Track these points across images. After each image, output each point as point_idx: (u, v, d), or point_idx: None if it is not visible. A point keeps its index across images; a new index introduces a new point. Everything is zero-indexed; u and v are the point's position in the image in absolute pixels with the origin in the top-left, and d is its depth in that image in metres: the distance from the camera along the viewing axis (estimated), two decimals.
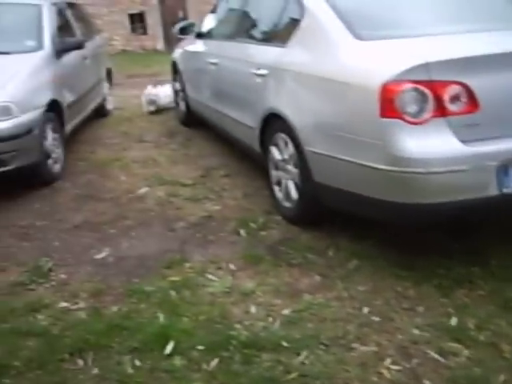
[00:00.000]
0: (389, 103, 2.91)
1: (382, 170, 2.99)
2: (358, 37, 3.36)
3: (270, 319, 2.85)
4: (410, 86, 2.89)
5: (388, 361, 2.53)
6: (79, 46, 6.12)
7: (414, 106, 2.90)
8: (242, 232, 3.82)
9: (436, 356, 2.55)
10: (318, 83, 3.47)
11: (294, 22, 3.96)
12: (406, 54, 3.13)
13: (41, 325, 2.89)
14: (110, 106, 8.10)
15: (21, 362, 2.59)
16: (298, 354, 2.57)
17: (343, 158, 3.23)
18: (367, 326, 2.77)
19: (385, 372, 2.46)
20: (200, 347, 2.64)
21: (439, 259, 3.30)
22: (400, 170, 2.93)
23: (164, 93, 7.95)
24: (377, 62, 3.16)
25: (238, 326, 2.81)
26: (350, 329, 2.75)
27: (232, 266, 3.39)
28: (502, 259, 3.30)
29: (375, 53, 3.25)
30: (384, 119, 2.94)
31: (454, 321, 2.78)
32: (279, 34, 4.26)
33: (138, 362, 2.57)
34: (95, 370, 2.54)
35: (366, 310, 2.90)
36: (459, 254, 3.37)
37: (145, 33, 20.22)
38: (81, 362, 2.60)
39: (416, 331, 2.72)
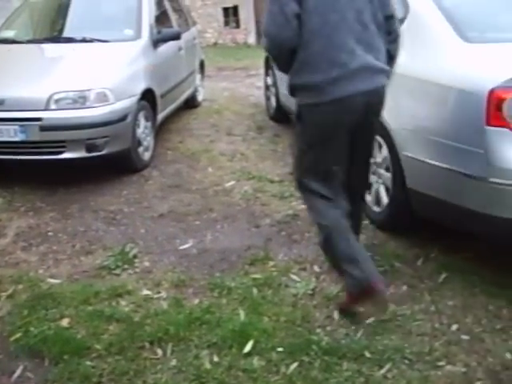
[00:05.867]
0: (496, 110, 2.75)
1: (483, 180, 2.84)
2: (466, 39, 3.20)
3: (353, 327, 2.76)
4: None
5: None
6: (176, 37, 6.18)
7: None
8: None
9: None
10: (419, 86, 3.34)
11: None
12: None
13: (123, 310, 2.93)
14: (200, 97, 8.16)
15: (102, 346, 2.63)
16: (381, 367, 2.47)
17: (440, 165, 3.09)
18: (455, 344, 2.63)
19: None
20: (279, 349, 2.59)
21: None
22: (503, 182, 2.77)
23: None
24: (485, 67, 3.00)
25: (319, 330, 2.74)
26: (437, 345, 2.61)
27: (316, 268, 3.31)
28: None
29: (483, 57, 3.10)
30: (490, 127, 2.79)
31: None
32: None
33: (216, 358, 2.54)
34: (173, 362, 2.54)
35: (454, 327, 2.75)
36: None
37: (237, 26, 20.35)
38: (160, 352, 2.60)
39: (509, 355, 2.55)
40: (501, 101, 2.74)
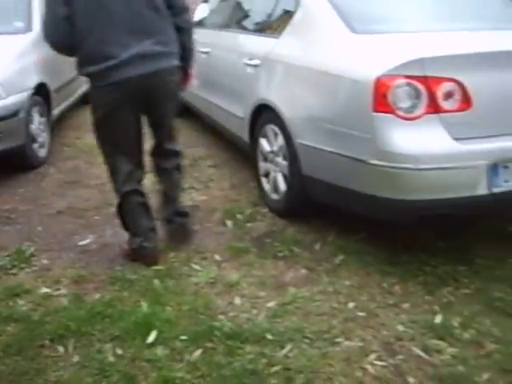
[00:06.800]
0: (382, 97, 2.88)
1: (371, 164, 2.97)
2: (354, 30, 3.32)
3: (255, 311, 2.83)
4: (403, 81, 2.87)
5: (372, 356, 2.51)
6: None
7: (407, 102, 2.88)
8: (228, 223, 3.79)
9: (420, 353, 2.54)
10: (310, 75, 3.44)
11: (288, 13, 3.92)
12: (400, 48, 3.10)
13: (21, 310, 2.85)
14: None
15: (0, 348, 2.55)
16: (282, 347, 2.55)
17: (333, 151, 3.20)
18: (352, 320, 2.75)
19: (369, 367, 2.44)
20: (183, 337, 2.61)
21: (425, 257, 3.29)
22: (390, 166, 2.91)
23: None
24: (371, 56, 3.13)
25: (221, 317, 2.78)
26: (335, 323, 2.73)
27: (217, 257, 3.35)
28: (488, 258, 3.30)
29: (370, 47, 3.22)
30: (376, 113, 2.92)
31: (438, 318, 2.77)
32: (273, 25, 4.21)
33: (119, 351, 2.53)
34: (76, 358, 2.50)
35: (351, 304, 2.88)
36: (445, 252, 3.36)
37: None
38: (61, 349, 2.56)
39: (401, 327, 2.70)
40: (386, 88, 2.87)
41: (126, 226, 3.34)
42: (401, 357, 2.52)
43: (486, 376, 2.41)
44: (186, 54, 3.26)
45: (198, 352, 2.52)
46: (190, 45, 3.30)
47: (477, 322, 2.75)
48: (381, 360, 2.49)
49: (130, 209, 3.26)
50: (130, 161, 3.19)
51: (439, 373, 2.42)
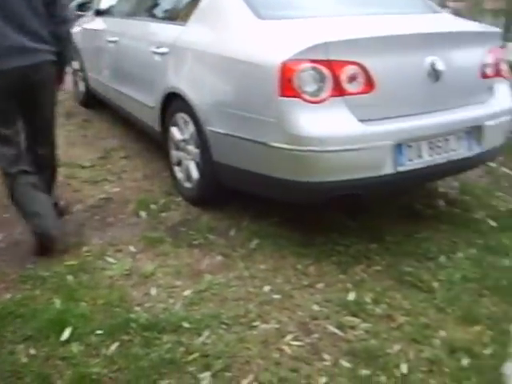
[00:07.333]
0: (287, 82, 2.91)
1: (279, 148, 3.00)
2: (259, 16, 3.33)
3: (171, 301, 2.82)
4: (308, 65, 2.90)
5: (289, 337, 2.56)
6: None
7: (312, 85, 2.92)
8: (142, 214, 3.75)
9: (335, 330, 2.61)
10: (217, 62, 3.43)
11: (195, 0, 3.89)
12: (304, 33, 3.13)
13: None
14: None
15: None
16: (200, 335, 2.56)
17: (242, 136, 3.22)
18: (268, 304, 2.80)
19: (286, 348, 2.49)
20: (98, 332, 2.58)
21: (338, 237, 3.38)
22: (297, 149, 2.95)
23: None
24: (276, 42, 3.15)
25: (137, 308, 2.76)
26: (251, 307, 2.76)
27: (132, 249, 3.31)
28: (397, 235, 3.43)
29: (275, 32, 3.24)
30: (283, 98, 2.94)
31: (351, 296, 2.86)
32: (180, 12, 4.18)
33: (32, 351, 2.47)
34: None
35: (266, 288, 2.92)
36: (357, 231, 3.46)
37: None
38: None
39: (316, 307, 2.77)
40: (291, 73, 2.90)
41: (23, 212, 3.28)
42: (316, 335, 2.58)
43: (397, 347, 2.52)
44: (61, 59, 3.32)
45: (115, 345, 2.50)
46: (66, 52, 3.39)
47: (388, 297, 2.86)
48: (297, 340, 2.55)
49: (22, 191, 3.23)
50: (13, 145, 3.21)
51: (353, 348, 2.50)
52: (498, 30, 3.79)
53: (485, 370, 2.41)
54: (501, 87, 3.66)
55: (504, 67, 3.68)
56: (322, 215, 3.63)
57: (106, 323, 2.63)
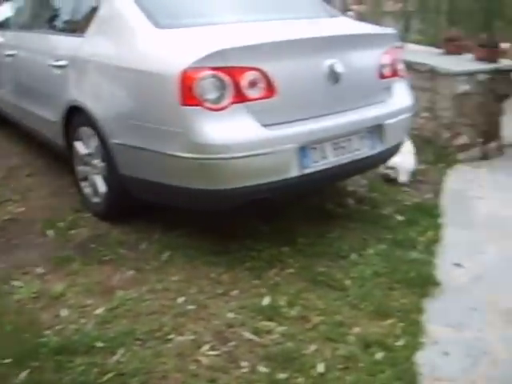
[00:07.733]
0: (188, 91, 2.89)
1: (185, 158, 2.98)
2: (157, 25, 3.30)
3: (83, 321, 2.73)
4: (208, 72, 2.90)
5: (205, 347, 2.54)
6: None
7: (213, 93, 2.92)
8: (50, 232, 3.61)
9: (251, 336, 2.62)
10: (117, 73, 3.37)
11: (93, 10, 3.80)
12: (203, 41, 3.13)
13: None
14: None
15: None
16: (114, 353, 2.49)
17: (147, 147, 3.17)
18: (183, 315, 2.76)
19: (202, 359, 2.47)
20: (7, 360, 2.46)
21: (251, 242, 3.39)
22: (203, 157, 2.94)
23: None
24: (175, 50, 3.13)
25: (48, 332, 2.66)
26: (166, 320, 2.72)
27: (39, 270, 3.19)
28: (309, 236, 3.48)
29: (174, 41, 3.22)
30: (185, 107, 2.92)
31: (266, 300, 2.87)
32: (78, 24, 4.07)
33: None
34: None
35: (180, 299, 2.89)
36: (269, 235, 3.48)
37: None
38: None
39: (231, 315, 2.76)
40: (191, 81, 2.88)
41: None
42: (233, 343, 2.58)
43: (313, 348, 2.55)
44: None
45: (25, 373, 2.39)
46: None
47: (302, 298, 2.90)
48: (214, 349, 2.53)
49: None
50: None
51: (270, 352, 2.51)
52: (394, 31, 3.92)
53: (398, 361, 2.48)
54: (399, 86, 3.79)
55: (401, 67, 3.81)
56: (233, 222, 3.62)
57: (14, 350, 2.52)
